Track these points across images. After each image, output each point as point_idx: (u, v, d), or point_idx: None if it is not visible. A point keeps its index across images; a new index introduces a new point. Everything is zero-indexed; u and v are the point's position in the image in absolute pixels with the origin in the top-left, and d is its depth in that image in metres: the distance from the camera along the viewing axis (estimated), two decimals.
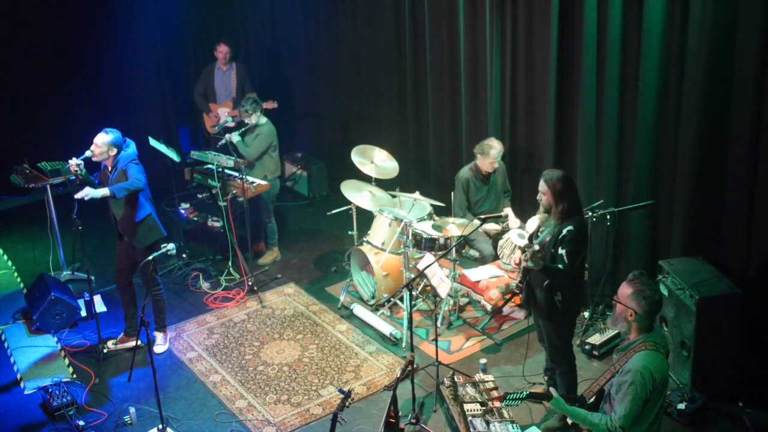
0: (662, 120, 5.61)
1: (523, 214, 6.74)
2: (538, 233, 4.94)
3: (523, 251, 4.90)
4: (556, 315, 4.84)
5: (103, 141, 5.66)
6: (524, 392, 4.09)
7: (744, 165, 5.11)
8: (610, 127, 5.91)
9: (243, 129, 7.20)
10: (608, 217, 5.96)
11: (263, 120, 7.21)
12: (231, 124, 7.22)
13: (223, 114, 8.33)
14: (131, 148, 5.82)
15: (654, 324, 4.18)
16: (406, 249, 6.35)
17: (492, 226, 6.65)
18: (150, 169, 5.91)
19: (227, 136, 7.12)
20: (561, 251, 4.65)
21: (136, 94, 9.74)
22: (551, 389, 4.15)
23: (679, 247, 5.62)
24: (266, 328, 6.50)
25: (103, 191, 5.60)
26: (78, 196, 5.58)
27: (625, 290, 4.02)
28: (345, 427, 5.02)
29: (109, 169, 5.75)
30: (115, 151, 5.69)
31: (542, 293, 4.81)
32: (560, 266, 4.67)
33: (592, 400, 4.21)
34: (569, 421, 4.22)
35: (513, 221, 6.67)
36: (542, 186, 4.76)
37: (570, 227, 4.65)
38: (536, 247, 4.72)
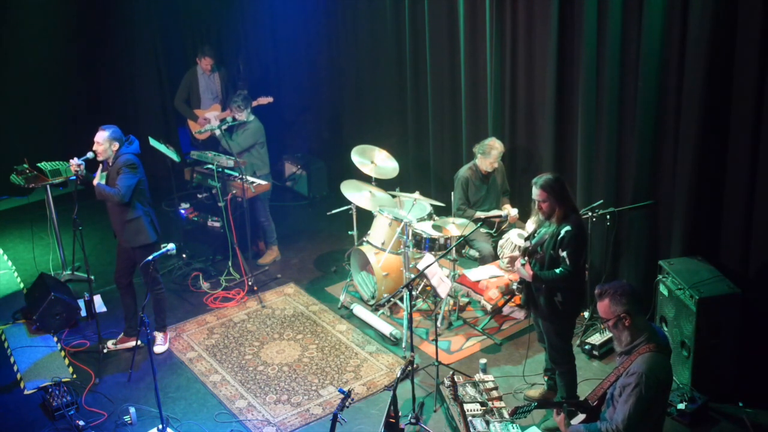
0: (662, 120, 5.61)
1: (523, 214, 6.74)
2: (535, 234, 4.95)
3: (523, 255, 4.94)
4: (557, 315, 4.83)
5: (102, 138, 5.68)
6: (533, 405, 4.12)
7: (744, 165, 5.11)
8: (610, 127, 5.91)
9: (230, 123, 7.18)
10: (608, 217, 5.95)
11: (251, 117, 7.25)
12: (232, 123, 7.21)
13: (213, 117, 8.30)
14: (134, 145, 5.83)
15: (654, 324, 4.19)
16: (406, 249, 6.35)
17: (494, 212, 6.65)
18: (150, 169, 5.91)
19: (210, 126, 7.13)
20: (562, 253, 4.64)
21: (136, 94, 9.74)
22: (564, 404, 4.16)
23: (679, 247, 5.62)
24: (266, 328, 6.50)
25: (95, 181, 5.74)
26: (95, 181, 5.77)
27: (603, 306, 4.02)
28: (345, 427, 5.02)
29: (110, 164, 5.76)
30: (116, 145, 5.71)
31: (542, 294, 4.81)
32: (559, 270, 4.66)
33: (595, 404, 4.22)
34: (570, 420, 4.23)
35: (512, 211, 6.65)
36: (539, 194, 4.71)
37: (568, 227, 4.65)
38: (524, 243, 4.70)
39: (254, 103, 7.52)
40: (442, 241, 6.28)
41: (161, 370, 5.88)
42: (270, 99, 7.89)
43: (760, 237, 5.13)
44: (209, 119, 8.31)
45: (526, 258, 4.81)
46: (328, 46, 9.14)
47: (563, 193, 4.71)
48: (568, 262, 4.63)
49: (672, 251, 5.70)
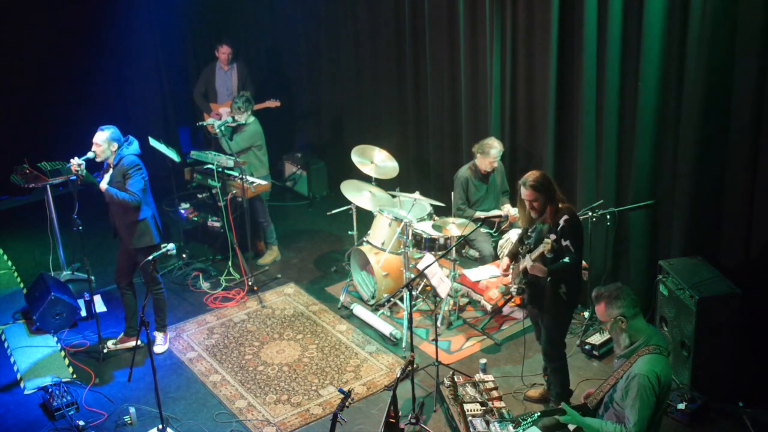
0: (662, 120, 5.61)
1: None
2: (529, 233, 4.95)
3: (513, 257, 4.93)
4: (560, 306, 4.87)
5: (101, 138, 5.68)
6: (536, 414, 4.14)
7: (744, 165, 5.11)
8: (610, 127, 5.91)
9: (229, 123, 7.20)
10: (608, 217, 5.96)
11: (251, 119, 7.25)
12: (232, 124, 7.24)
13: (225, 113, 8.35)
14: (134, 146, 5.83)
15: (653, 326, 4.20)
16: (406, 249, 6.35)
17: (494, 212, 6.66)
18: (150, 169, 5.91)
19: (212, 120, 7.20)
20: (565, 243, 4.67)
21: (136, 94, 9.74)
22: (563, 405, 4.17)
23: (679, 247, 5.62)
24: (266, 328, 6.50)
25: (103, 185, 5.69)
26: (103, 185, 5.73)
27: (600, 309, 4.05)
28: (345, 427, 5.02)
29: (111, 166, 5.76)
30: (115, 146, 5.71)
31: (548, 287, 4.82)
32: (567, 259, 4.69)
33: (593, 406, 4.24)
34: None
35: (512, 211, 6.66)
36: (529, 194, 4.74)
37: (565, 216, 4.70)
38: (552, 236, 4.68)
39: (261, 106, 7.51)
40: (442, 241, 6.27)
41: (161, 370, 5.88)
42: (277, 103, 7.95)
43: (760, 237, 5.13)
44: (221, 114, 8.36)
45: (536, 255, 4.79)
46: (328, 46, 9.14)
47: (552, 189, 4.76)
48: (572, 249, 4.67)
49: (672, 251, 5.71)
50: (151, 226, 5.85)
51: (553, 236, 4.68)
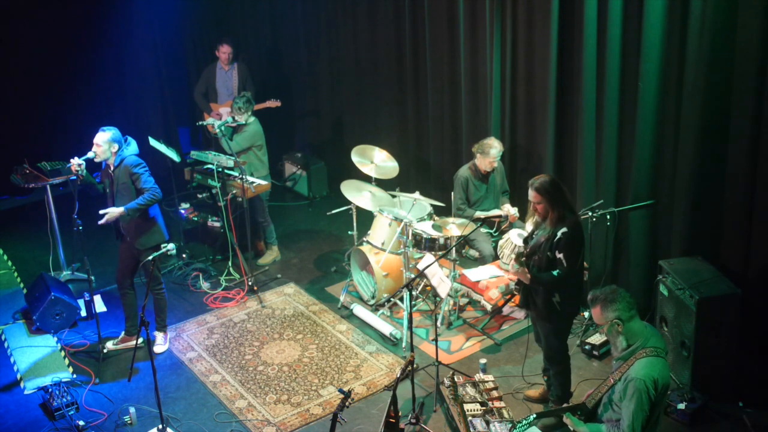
0: (662, 120, 5.61)
1: (523, 214, 6.72)
2: (533, 235, 4.94)
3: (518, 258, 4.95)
4: (555, 315, 4.83)
5: (103, 139, 5.68)
6: (531, 417, 4.14)
7: (744, 165, 5.11)
8: (610, 127, 5.91)
9: (229, 124, 7.21)
10: (608, 217, 5.96)
11: (251, 119, 7.26)
12: (232, 124, 7.25)
13: (226, 113, 8.36)
14: (132, 146, 5.83)
15: (651, 326, 4.19)
16: (406, 249, 6.35)
17: (494, 212, 6.67)
18: (150, 169, 5.92)
19: (211, 120, 7.22)
20: (558, 255, 4.63)
21: (136, 94, 9.74)
22: (565, 418, 4.18)
23: (679, 247, 5.62)
24: (266, 328, 6.50)
25: (119, 210, 5.65)
26: (102, 222, 5.68)
27: (595, 312, 4.04)
28: (345, 427, 5.02)
29: (111, 168, 5.76)
30: (116, 147, 5.71)
31: (540, 294, 4.80)
32: (556, 272, 4.65)
33: (591, 407, 4.25)
34: (566, 419, 4.24)
35: (512, 210, 6.65)
36: (534, 196, 4.71)
37: (564, 229, 4.63)
38: (521, 247, 4.70)
39: (261, 106, 7.49)
40: (442, 241, 6.27)
41: (161, 370, 5.88)
42: (278, 103, 7.96)
43: (760, 237, 5.13)
44: (221, 114, 8.36)
45: (523, 260, 4.81)
46: (328, 46, 9.14)
47: (558, 195, 4.70)
48: (564, 264, 4.62)
49: (672, 251, 5.71)
50: (160, 223, 5.87)
51: (521, 247, 4.68)
